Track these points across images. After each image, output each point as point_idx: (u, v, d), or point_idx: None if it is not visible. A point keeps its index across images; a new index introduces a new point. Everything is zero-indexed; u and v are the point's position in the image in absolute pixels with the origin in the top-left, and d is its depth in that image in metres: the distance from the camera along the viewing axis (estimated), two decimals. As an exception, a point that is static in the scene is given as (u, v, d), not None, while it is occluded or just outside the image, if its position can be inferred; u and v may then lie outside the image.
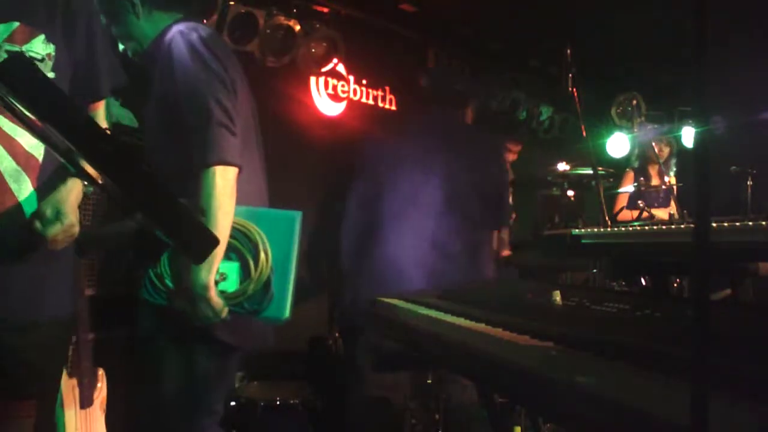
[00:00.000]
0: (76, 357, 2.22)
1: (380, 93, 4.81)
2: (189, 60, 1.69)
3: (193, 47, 1.71)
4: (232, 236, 1.64)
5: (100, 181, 1.26)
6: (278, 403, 3.00)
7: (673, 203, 4.13)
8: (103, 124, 1.67)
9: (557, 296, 1.53)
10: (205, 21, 3.57)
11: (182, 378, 1.74)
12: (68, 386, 2.20)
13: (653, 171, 4.52)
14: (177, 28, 1.76)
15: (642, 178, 4.16)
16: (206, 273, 1.60)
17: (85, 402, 2.23)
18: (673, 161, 4.48)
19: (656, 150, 4.26)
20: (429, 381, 3.82)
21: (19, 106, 1.05)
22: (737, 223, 1.39)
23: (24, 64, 1.05)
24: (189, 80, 1.69)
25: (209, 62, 1.70)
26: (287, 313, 1.70)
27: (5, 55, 1.35)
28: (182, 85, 1.69)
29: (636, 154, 4.70)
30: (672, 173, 4.32)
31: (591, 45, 3.70)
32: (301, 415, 3.00)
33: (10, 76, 1.04)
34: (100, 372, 2.36)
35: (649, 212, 3.56)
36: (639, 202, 3.72)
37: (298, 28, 3.97)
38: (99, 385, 2.34)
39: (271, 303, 1.66)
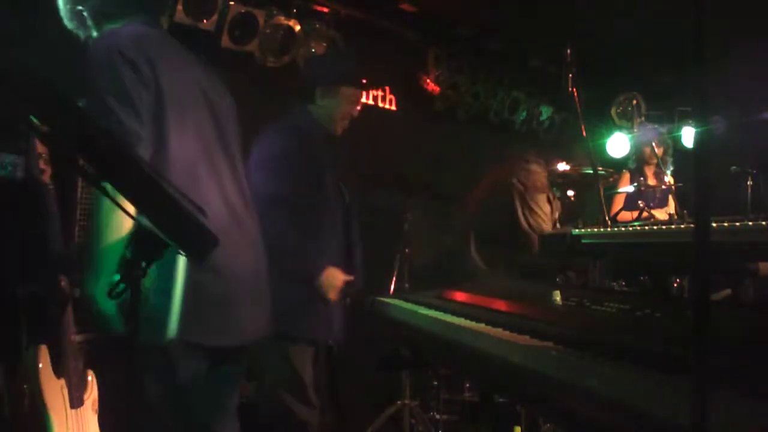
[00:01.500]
0: (65, 357, 2.22)
1: (380, 93, 4.80)
2: (91, 69, 1.61)
3: (95, 55, 1.63)
4: None
5: (100, 182, 1.26)
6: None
7: (671, 203, 4.13)
8: None
9: (557, 296, 1.53)
10: (205, 20, 3.57)
11: (161, 382, 1.71)
12: (57, 387, 2.20)
13: (649, 171, 4.52)
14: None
15: (641, 179, 4.16)
16: (92, 284, 1.57)
17: (75, 402, 2.23)
18: (670, 161, 4.47)
19: (654, 150, 4.26)
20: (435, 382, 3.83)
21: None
22: (737, 223, 1.39)
23: (24, 65, 1.05)
24: (90, 89, 1.61)
25: (106, 69, 1.60)
26: (169, 333, 1.62)
27: None
28: (87, 94, 1.62)
29: (632, 155, 4.70)
30: (669, 173, 4.32)
31: (591, 45, 3.70)
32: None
33: (9, 77, 1.04)
34: (90, 373, 2.36)
35: (649, 212, 3.57)
36: (639, 202, 3.72)
37: (298, 28, 3.97)
38: (90, 379, 2.34)
39: (148, 322, 1.52)
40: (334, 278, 2.49)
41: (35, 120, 1.10)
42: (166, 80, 1.67)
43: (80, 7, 1.76)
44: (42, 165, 2.20)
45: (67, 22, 1.79)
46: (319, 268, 2.47)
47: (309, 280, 2.45)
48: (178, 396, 1.73)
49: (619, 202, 4.37)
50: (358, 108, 2.75)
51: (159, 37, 1.78)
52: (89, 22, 1.78)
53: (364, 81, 2.82)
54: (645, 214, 3.38)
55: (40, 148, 2.19)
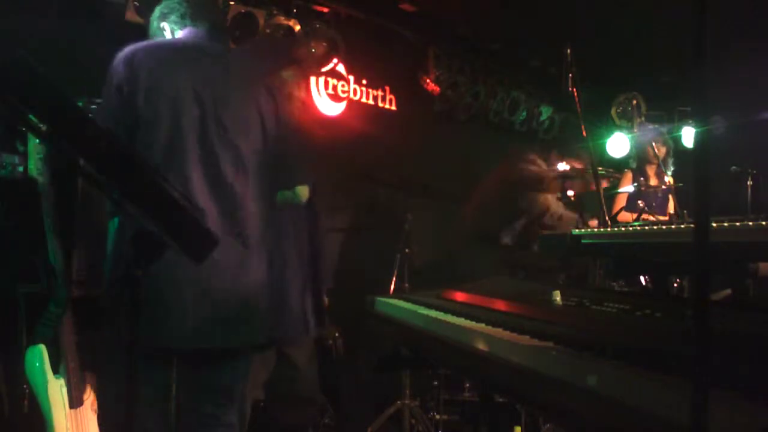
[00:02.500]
0: (63, 358, 2.23)
1: (380, 93, 4.80)
2: None
3: None
4: None
5: (99, 181, 1.26)
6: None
7: (671, 203, 4.13)
8: None
9: (557, 296, 1.53)
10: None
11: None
12: (56, 387, 2.20)
13: (651, 171, 4.52)
14: None
15: (642, 179, 4.17)
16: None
17: (75, 402, 2.24)
18: (670, 161, 4.48)
19: (655, 150, 4.26)
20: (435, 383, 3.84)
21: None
22: (737, 223, 1.39)
23: (23, 65, 1.05)
24: None
25: (106, 82, 1.84)
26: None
27: None
28: None
29: (633, 155, 4.70)
30: (669, 173, 4.32)
31: (591, 45, 3.70)
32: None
33: (9, 78, 1.04)
34: (89, 374, 2.36)
35: (649, 213, 3.57)
36: (639, 202, 3.72)
37: (298, 28, 3.97)
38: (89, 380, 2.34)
39: None
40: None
41: (35, 120, 1.10)
42: (143, 87, 1.82)
43: (163, 24, 2.03)
44: (40, 165, 2.20)
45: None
46: None
47: None
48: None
49: (620, 202, 4.38)
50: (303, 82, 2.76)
51: (160, 47, 1.95)
52: (167, 34, 2.04)
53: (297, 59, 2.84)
54: (645, 216, 3.38)
55: (39, 148, 2.20)
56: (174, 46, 1.96)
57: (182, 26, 1.99)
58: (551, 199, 3.74)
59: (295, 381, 2.66)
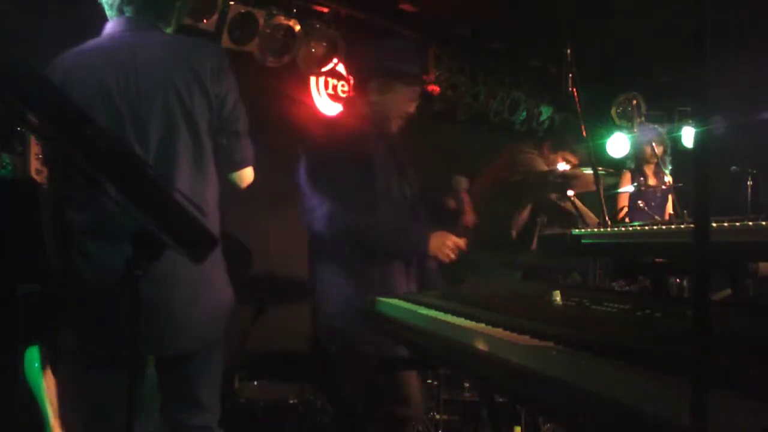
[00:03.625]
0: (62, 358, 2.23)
1: (380, 93, 4.80)
2: None
3: None
4: None
5: (99, 181, 1.26)
6: (278, 403, 3.00)
7: (670, 203, 4.14)
8: None
9: (557, 296, 1.53)
10: (205, 20, 3.57)
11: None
12: (55, 387, 2.21)
13: (649, 171, 4.52)
14: None
15: (641, 179, 4.17)
16: None
17: (74, 402, 2.24)
18: (668, 160, 4.48)
19: (654, 150, 4.27)
20: (429, 381, 3.84)
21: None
22: (737, 223, 1.39)
23: (23, 65, 1.05)
24: None
25: None
26: None
27: None
28: None
29: (631, 155, 4.71)
30: (667, 172, 4.33)
31: (591, 45, 3.70)
32: (301, 416, 3.00)
33: (9, 78, 1.04)
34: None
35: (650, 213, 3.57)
36: (639, 202, 3.72)
37: (298, 28, 3.97)
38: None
39: None
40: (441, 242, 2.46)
41: (34, 118, 1.10)
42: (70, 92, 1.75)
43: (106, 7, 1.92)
44: (38, 165, 2.20)
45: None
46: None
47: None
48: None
49: (623, 201, 4.38)
50: (414, 106, 2.61)
51: (70, 56, 1.84)
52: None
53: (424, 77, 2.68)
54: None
55: (36, 148, 2.20)
56: (89, 49, 1.84)
57: (110, 15, 1.87)
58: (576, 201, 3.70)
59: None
